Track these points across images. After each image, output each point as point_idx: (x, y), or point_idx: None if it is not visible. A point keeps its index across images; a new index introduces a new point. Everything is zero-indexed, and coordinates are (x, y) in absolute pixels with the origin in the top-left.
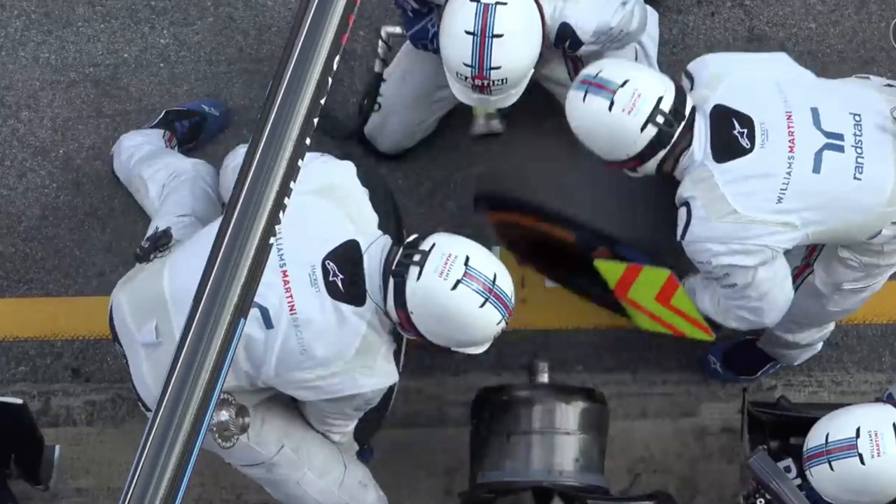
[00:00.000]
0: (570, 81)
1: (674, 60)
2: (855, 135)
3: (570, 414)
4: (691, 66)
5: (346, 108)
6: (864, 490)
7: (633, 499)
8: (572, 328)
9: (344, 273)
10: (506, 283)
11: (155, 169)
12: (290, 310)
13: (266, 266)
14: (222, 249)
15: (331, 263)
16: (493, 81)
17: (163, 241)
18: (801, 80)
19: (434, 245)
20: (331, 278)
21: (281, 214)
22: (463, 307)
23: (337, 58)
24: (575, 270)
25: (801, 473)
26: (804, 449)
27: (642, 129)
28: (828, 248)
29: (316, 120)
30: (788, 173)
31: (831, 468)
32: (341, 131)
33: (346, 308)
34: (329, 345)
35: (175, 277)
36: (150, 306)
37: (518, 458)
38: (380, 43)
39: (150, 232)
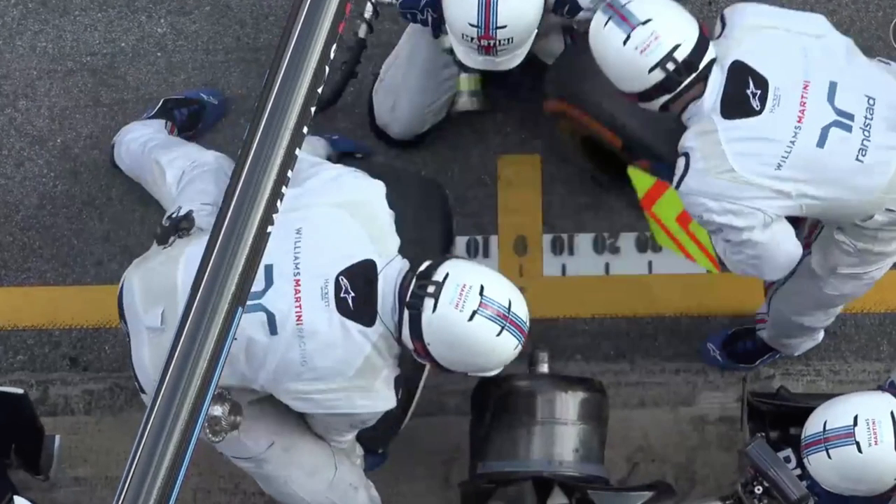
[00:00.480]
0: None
1: None
2: (865, 117)
3: (569, 404)
4: (728, 12)
5: (344, 97)
6: (861, 478)
7: (633, 488)
8: (571, 317)
9: (356, 291)
10: (521, 308)
11: (174, 155)
12: (297, 319)
13: (280, 274)
14: (220, 239)
15: (344, 279)
16: (500, 41)
17: (184, 225)
18: (830, 50)
19: (448, 275)
20: (342, 294)
21: (278, 203)
22: (480, 337)
23: (334, 46)
24: (613, 172)
25: (801, 463)
26: (802, 437)
27: (650, 71)
28: (825, 231)
29: (313, 109)
30: (792, 142)
31: (829, 456)
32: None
33: (353, 326)
34: (331, 360)
35: (191, 269)
36: (161, 292)
37: (518, 448)
38: (368, 6)
39: (170, 211)
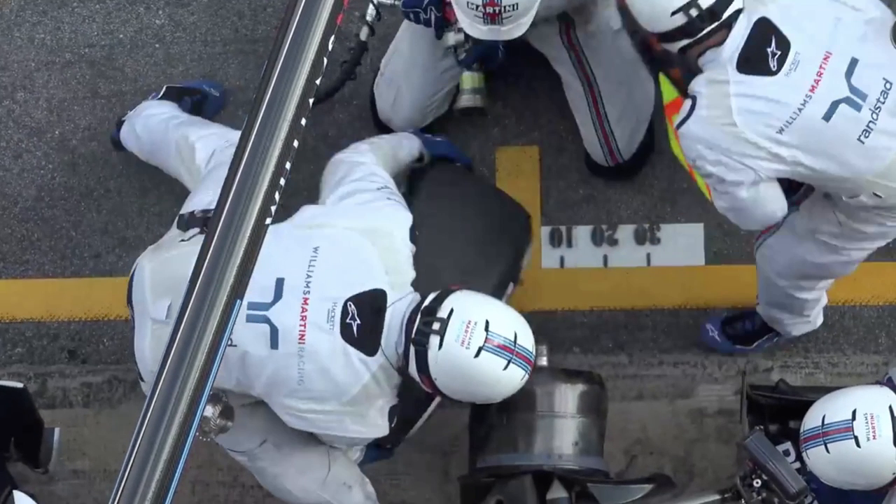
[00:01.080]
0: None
1: None
2: (878, 100)
3: (569, 397)
4: None
5: (342, 89)
6: (859, 472)
7: (633, 481)
8: (569, 310)
9: (362, 319)
10: (527, 339)
11: (207, 132)
12: (300, 338)
13: (290, 289)
14: (218, 230)
15: (352, 306)
16: (505, 7)
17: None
18: (862, 26)
19: (453, 311)
20: (348, 320)
21: (276, 195)
22: (487, 372)
23: (332, 38)
24: None
25: (800, 457)
26: (801, 431)
27: (672, 14)
28: (815, 194)
29: (312, 100)
30: (800, 109)
31: (827, 450)
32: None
33: (355, 353)
34: (327, 383)
35: None
36: (172, 285)
37: (517, 441)
38: (370, 8)
39: (204, 204)
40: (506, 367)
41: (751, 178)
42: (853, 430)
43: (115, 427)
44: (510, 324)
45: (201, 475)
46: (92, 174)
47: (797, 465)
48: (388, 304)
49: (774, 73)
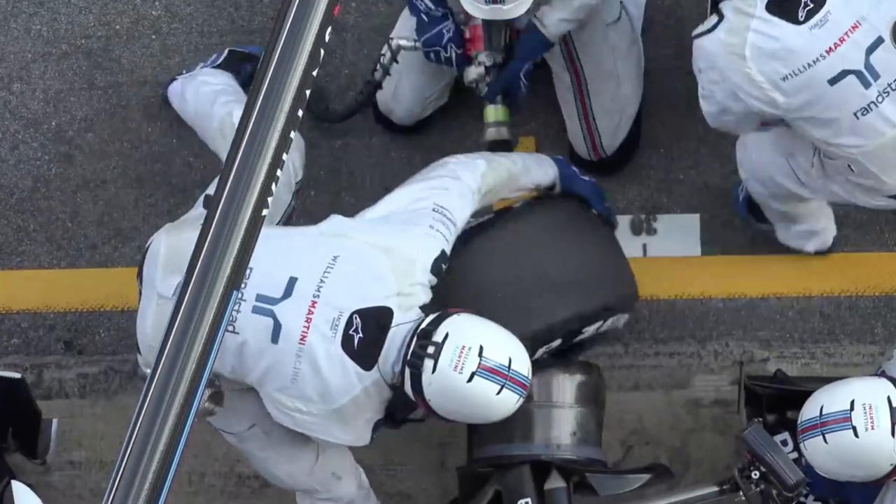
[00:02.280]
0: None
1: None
2: (889, 85)
3: (566, 387)
4: None
5: (338, 80)
6: (857, 463)
7: (631, 471)
8: None
9: (365, 333)
10: (522, 365)
11: None
12: (301, 338)
13: (300, 290)
14: (215, 220)
15: (358, 318)
16: None
17: None
18: None
19: (448, 335)
20: (350, 332)
21: (273, 186)
22: (480, 396)
23: (329, 29)
24: None
25: (798, 447)
26: (798, 422)
27: None
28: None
29: (308, 91)
30: (809, 65)
31: (825, 441)
32: (331, 116)
33: (350, 365)
34: (319, 387)
35: None
36: (185, 265)
37: (515, 431)
38: (387, 51)
39: None
40: (499, 392)
41: (741, 108)
42: (851, 421)
43: (112, 418)
44: (505, 349)
45: (198, 465)
46: (88, 165)
47: (794, 454)
48: (392, 324)
49: (800, 23)
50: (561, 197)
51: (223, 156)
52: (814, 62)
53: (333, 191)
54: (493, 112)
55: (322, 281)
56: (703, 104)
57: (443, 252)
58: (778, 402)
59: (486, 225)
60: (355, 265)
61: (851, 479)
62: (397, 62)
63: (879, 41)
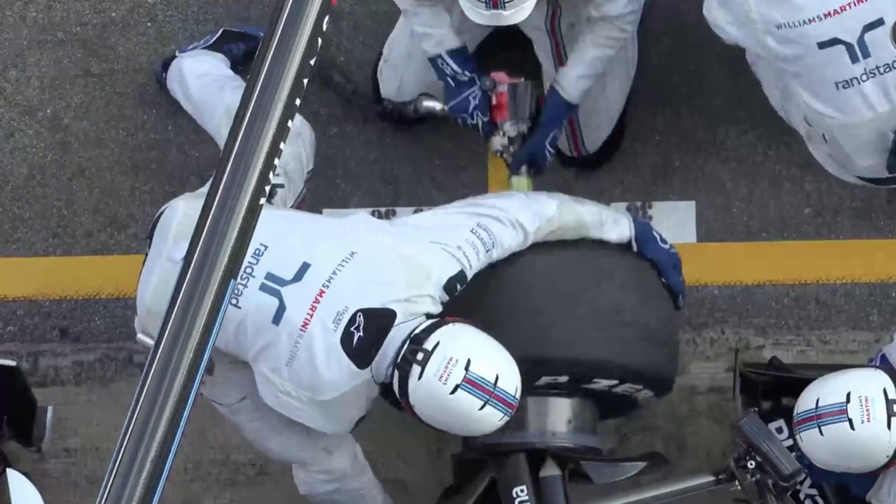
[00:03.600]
0: (544, 28)
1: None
2: (878, 67)
3: None
4: None
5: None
6: (853, 455)
7: (627, 459)
8: None
9: (366, 333)
10: (509, 383)
11: None
12: (303, 325)
13: (311, 277)
14: (213, 209)
15: (361, 317)
16: None
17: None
18: None
19: (437, 344)
20: (352, 328)
21: (271, 175)
22: (462, 410)
23: (327, 18)
24: None
25: (793, 434)
26: (794, 413)
27: None
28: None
29: (306, 81)
30: (804, 22)
31: (821, 433)
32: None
33: (346, 362)
34: (311, 378)
35: None
36: None
37: (511, 419)
38: (412, 109)
39: None
40: (481, 408)
41: (731, 37)
42: (847, 413)
43: (107, 405)
44: (493, 366)
45: (193, 453)
46: (84, 153)
47: (789, 442)
48: (393, 326)
49: None
50: (636, 253)
51: (222, 143)
52: (809, 21)
53: (329, 178)
54: (517, 183)
55: (335, 273)
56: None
57: (461, 273)
58: (773, 389)
59: (546, 243)
60: (370, 265)
61: (847, 470)
62: (417, 111)
63: (880, 22)
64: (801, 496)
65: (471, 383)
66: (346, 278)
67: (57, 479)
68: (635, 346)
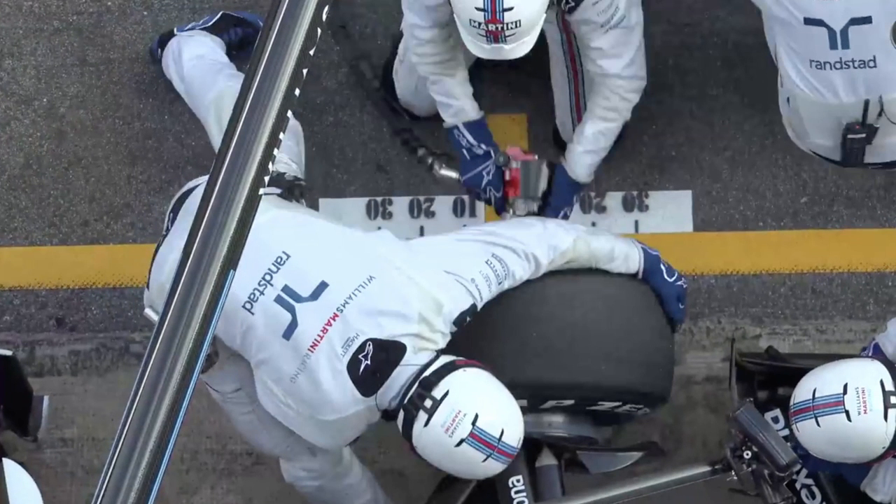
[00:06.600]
0: (553, 17)
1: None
2: (853, 60)
3: None
4: None
5: (330, 56)
6: (849, 446)
7: (623, 449)
8: None
9: (374, 362)
10: (512, 437)
11: None
12: (312, 346)
13: (327, 298)
14: (212, 200)
15: (371, 346)
16: (507, 25)
17: (297, 193)
18: None
19: (447, 394)
20: (360, 356)
21: (270, 165)
22: (464, 460)
23: (326, 8)
24: None
25: (789, 424)
26: (791, 403)
27: None
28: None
29: (305, 71)
30: None
31: (818, 424)
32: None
33: (350, 387)
34: (314, 398)
35: (272, 229)
36: None
37: None
38: (428, 166)
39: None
40: (484, 461)
41: None
42: (844, 404)
43: (103, 395)
44: (499, 421)
45: (190, 443)
46: (80, 142)
47: (785, 431)
48: (402, 363)
49: None
50: (640, 280)
51: (211, 127)
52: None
53: (325, 168)
54: (524, 208)
55: (350, 298)
56: None
57: (472, 306)
58: (769, 378)
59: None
60: (386, 294)
61: (844, 460)
62: (431, 171)
63: (867, 20)
64: (797, 486)
65: (476, 438)
66: (361, 303)
67: (53, 468)
68: (638, 371)
